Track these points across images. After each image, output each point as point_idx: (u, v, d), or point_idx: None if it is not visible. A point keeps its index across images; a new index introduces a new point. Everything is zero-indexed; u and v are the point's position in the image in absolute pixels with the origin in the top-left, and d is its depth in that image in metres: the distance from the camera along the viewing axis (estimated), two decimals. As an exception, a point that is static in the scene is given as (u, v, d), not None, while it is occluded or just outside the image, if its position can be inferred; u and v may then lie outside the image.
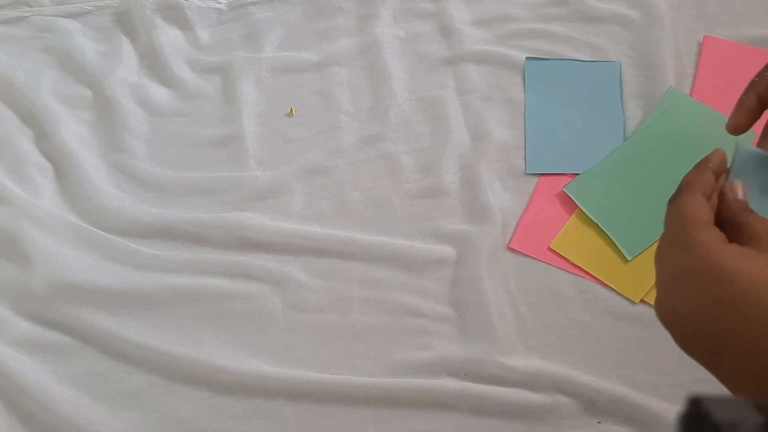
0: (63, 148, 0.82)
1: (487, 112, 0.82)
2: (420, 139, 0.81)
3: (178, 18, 0.94)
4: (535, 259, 0.72)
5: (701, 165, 0.41)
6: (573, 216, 0.74)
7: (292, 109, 0.85)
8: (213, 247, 0.75)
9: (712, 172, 0.41)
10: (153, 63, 0.91)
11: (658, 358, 0.65)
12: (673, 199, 0.40)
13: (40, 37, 0.93)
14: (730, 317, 0.32)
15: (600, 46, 0.85)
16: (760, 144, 0.45)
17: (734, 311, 0.32)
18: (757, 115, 0.49)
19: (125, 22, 0.95)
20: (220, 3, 0.96)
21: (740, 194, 0.40)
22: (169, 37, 0.92)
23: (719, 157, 0.42)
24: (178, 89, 0.88)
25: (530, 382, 0.64)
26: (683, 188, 0.40)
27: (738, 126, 0.47)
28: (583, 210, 0.74)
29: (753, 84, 0.49)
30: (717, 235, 0.36)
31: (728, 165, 0.43)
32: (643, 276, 0.69)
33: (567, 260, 0.71)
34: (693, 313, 0.34)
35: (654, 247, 0.64)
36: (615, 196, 0.74)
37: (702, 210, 0.38)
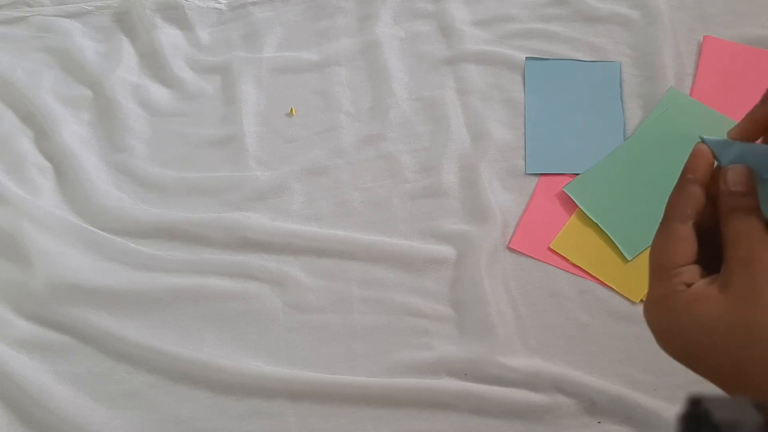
0: (63, 148, 0.82)
1: (487, 112, 0.82)
2: (420, 139, 0.81)
3: (178, 18, 0.94)
4: (535, 259, 0.72)
5: (679, 183, 0.37)
6: (573, 216, 0.74)
7: (292, 109, 0.85)
8: (213, 247, 0.75)
9: (695, 182, 0.37)
10: (153, 63, 0.91)
11: (658, 358, 0.65)
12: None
13: (40, 37, 0.93)
14: (693, 362, 0.35)
15: (600, 46, 0.85)
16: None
17: (694, 357, 0.35)
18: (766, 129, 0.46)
19: (125, 22, 0.95)
20: (220, 3, 0.96)
21: (737, 181, 0.36)
22: (169, 37, 0.92)
23: (699, 159, 0.37)
24: (178, 89, 0.88)
25: (530, 382, 0.64)
26: (662, 221, 0.37)
27: (743, 134, 0.42)
28: (583, 210, 0.74)
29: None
30: (676, 282, 0.35)
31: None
32: (643, 276, 0.69)
33: (567, 260, 0.71)
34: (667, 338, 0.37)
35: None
36: (615, 196, 0.74)
37: (670, 252, 0.36)
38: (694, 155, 0.37)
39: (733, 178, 0.36)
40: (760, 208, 0.35)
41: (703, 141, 0.37)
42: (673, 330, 0.35)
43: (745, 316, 0.32)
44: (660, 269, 0.36)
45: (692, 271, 0.35)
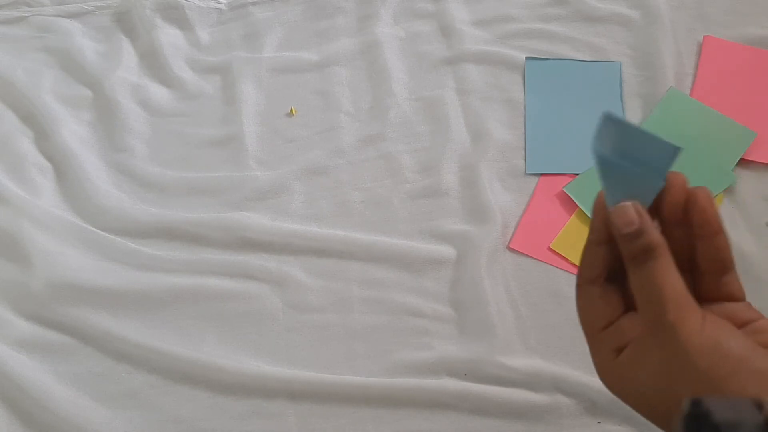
0: (63, 148, 0.82)
1: (487, 112, 0.82)
2: (420, 139, 0.81)
3: (178, 18, 0.94)
4: (535, 259, 0.72)
5: (584, 249, 0.35)
6: (573, 216, 0.74)
7: (292, 109, 0.85)
8: (213, 247, 0.75)
9: (597, 243, 0.34)
10: (153, 63, 0.91)
11: (658, 358, 0.65)
12: None
13: (40, 37, 0.93)
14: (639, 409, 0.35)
15: (600, 46, 0.85)
16: None
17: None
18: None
19: (125, 22, 0.95)
20: (220, 3, 0.96)
21: (625, 222, 0.32)
22: (169, 37, 0.92)
23: (596, 217, 0.34)
24: (178, 89, 0.88)
25: (530, 382, 0.64)
26: (576, 283, 0.36)
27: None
28: (583, 210, 0.74)
29: None
30: (605, 351, 0.34)
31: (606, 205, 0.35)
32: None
33: (567, 260, 0.71)
34: None
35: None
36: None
37: (589, 317, 0.35)
38: (593, 213, 0.35)
39: (618, 220, 0.33)
40: (663, 246, 0.32)
41: (593, 146, 0.34)
42: (618, 393, 0.35)
43: (667, 384, 0.31)
44: (588, 336, 0.35)
45: (619, 332, 0.34)
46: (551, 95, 0.83)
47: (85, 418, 0.65)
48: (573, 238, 0.73)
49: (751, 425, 0.25)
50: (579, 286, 0.35)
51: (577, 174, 0.76)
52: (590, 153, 0.34)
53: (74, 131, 0.84)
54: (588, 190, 0.75)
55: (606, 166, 0.33)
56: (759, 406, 0.25)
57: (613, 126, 0.34)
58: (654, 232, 0.32)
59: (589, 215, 0.73)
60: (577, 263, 0.73)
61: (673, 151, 0.32)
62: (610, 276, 0.35)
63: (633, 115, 0.80)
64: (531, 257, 0.72)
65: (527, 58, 0.85)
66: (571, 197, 0.75)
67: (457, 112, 0.82)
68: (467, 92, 0.84)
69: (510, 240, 0.73)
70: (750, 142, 0.76)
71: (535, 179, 0.77)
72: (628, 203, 0.33)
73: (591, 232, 0.35)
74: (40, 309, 0.72)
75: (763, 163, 0.75)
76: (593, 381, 0.64)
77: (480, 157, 0.78)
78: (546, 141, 0.79)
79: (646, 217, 0.32)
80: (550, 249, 0.72)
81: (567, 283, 0.70)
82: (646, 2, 0.87)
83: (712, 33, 0.85)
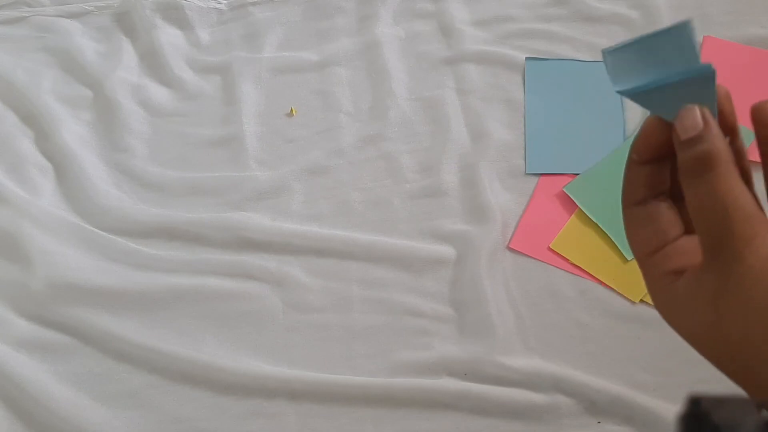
0: (63, 148, 0.82)
1: (487, 112, 0.82)
2: (420, 139, 0.81)
3: (178, 18, 0.94)
4: (535, 259, 0.72)
5: (625, 170, 0.32)
6: (573, 216, 0.74)
7: (292, 109, 0.85)
8: (213, 247, 0.75)
9: (639, 162, 0.31)
10: (153, 63, 0.91)
11: (658, 358, 0.65)
12: None
13: (40, 37, 0.93)
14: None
15: (600, 46, 0.85)
16: None
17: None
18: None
19: (125, 22, 0.95)
20: (220, 3, 0.96)
21: (688, 126, 0.28)
22: (169, 37, 0.92)
23: (642, 138, 0.31)
24: (178, 89, 0.88)
25: (530, 382, 0.64)
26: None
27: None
28: (583, 210, 0.74)
29: None
30: (659, 275, 0.30)
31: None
32: (643, 276, 0.69)
33: (567, 260, 0.71)
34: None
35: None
36: (615, 196, 0.73)
37: (636, 243, 0.31)
38: (640, 130, 0.31)
39: (680, 124, 0.28)
40: (726, 155, 0.28)
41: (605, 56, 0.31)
42: (673, 325, 0.31)
43: (716, 320, 0.27)
44: (638, 261, 0.32)
45: (674, 255, 0.30)
46: (551, 95, 0.83)
47: (85, 418, 0.65)
48: (573, 238, 0.73)
49: (751, 425, 0.25)
50: (624, 210, 0.32)
51: (577, 174, 0.76)
52: (618, 95, 0.32)
53: (74, 131, 0.84)
54: (588, 190, 0.75)
55: (640, 96, 0.30)
56: (759, 406, 0.25)
57: (615, 56, 0.30)
58: (717, 139, 0.28)
59: (590, 215, 0.73)
60: (578, 263, 0.73)
61: (684, 27, 0.28)
62: (668, 196, 0.31)
63: (633, 115, 0.80)
64: (531, 257, 0.72)
65: (527, 58, 0.85)
66: (571, 197, 0.75)
67: (457, 112, 0.82)
68: (467, 92, 0.84)
69: (510, 240, 0.73)
70: (750, 142, 0.75)
71: (535, 179, 0.77)
72: (695, 106, 0.28)
73: (632, 151, 0.31)
74: (40, 309, 0.72)
75: (763, 163, 0.75)
76: (593, 381, 0.64)
77: (480, 157, 0.78)
78: (546, 141, 0.79)
79: (712, 123, 0.28)
80: (550, 249, 0.72)
81: (567, 283, 0.70)
82: (646, 2, 0.87)
83: (712, 33, 0.85)
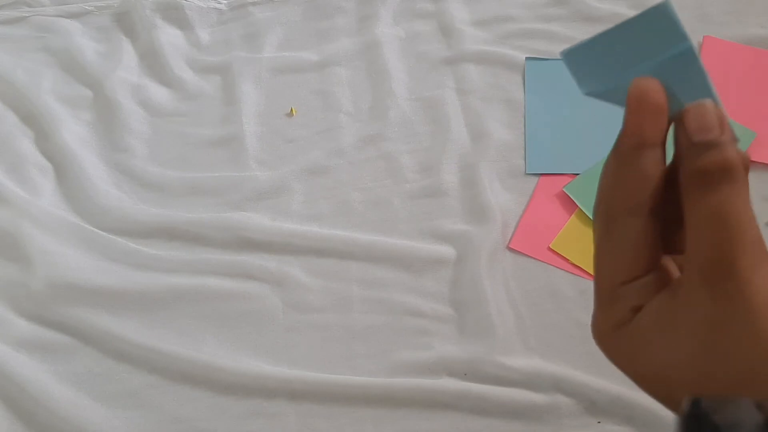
0: (63, 148, 0.82)
1: (487, 112, 0.82)
2: (420, 139, 0.81)
3: (178, 18, 0.94)
4: (535, 259, 0.72)
5: (619, 153, 0.25)
6: (573, 216, 0.74)
7: (292, 109, 0.85)
8: (213, 247, 0.75)
9: (647, 146, 0.25)
10: (153, 63, 0.91)
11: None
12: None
13: (40, 37, 0.93)
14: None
15: (559, 53, 0.85)
16: None
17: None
18: None
19: (125, 22, 0.95)
20: (220, 3, 0.96)
21: (702, 126, 0.24)
22: (169, 37, 0.92)
23: (646, 109, 0.24)
24: (178, 89, 0.88)
25: (530, 382, 0.64)
26: (599, 215, 0.26)
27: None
28: (583, 210, 0.74)
29: None
30: (618, 309, 0.26)
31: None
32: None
33: (567, 260, 0.71)
34: None
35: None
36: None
37: (612, 265, 0.26)
38: (630, 103, 0.24)
39: (693, 122, 0.24)
40: (743, 168, 0.24)
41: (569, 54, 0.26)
42: (623, 367, 0.27)
43: (711, 350, 0.24)
44: (600, 288, 0.26)
45: (644, 286, 0.25)
46: (551, 95, 0.83)
47: (85, 418, 0.65)
48: (573, 238, 0.73)
49: (751, 425, 0.24)
50: (606, 217, 0.25)
51: (577, 174, 0.76)
52: (585, 96, 0.26)
53: (74, 131, 0.84)
54: (588, 190, 0.75)
55: (613, 93, 0.25)
56: (759, 406, 0.25)
57: (576, 55, 0.26)
58: (735, 147, 0.24)
59: (590, 215, 0.73)
60: (578, 263, 0.72)
61: (663, 8, 0.24)
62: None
63: (633, 115, 0.80)
64: (531, 257, 0.72)
65: (527, 58, 0.85)
66: (571, 197, 0.75)
67: (457, 112, 0.82)
68: (467, 92, 0.84)
69: (510, 240, 0.73)
70: (750, 142, 0.76)
71: (535, 179, 0.77)
72: (708, 101, 0.24)
73: (631, 134, 0.24)
74: (40, 309, 0.72)
75: (763, 163, 0.75)
76: (593, 381, 0.64)
77: (480, 157, 0.78)
78: (546, 141, 0.79)
79: (728, 127, 0.24)
80: (550, 249, 0.72)
81: (567, 283, 0.70)
82: (646, 2, 0.87)
83: (712, 33, 0.85)
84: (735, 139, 0.24)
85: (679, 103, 0.24)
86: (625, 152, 0.24)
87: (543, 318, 0.69)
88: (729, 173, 0.23)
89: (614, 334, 0.26)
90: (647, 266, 0.25)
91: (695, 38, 0.84)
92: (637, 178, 0.24)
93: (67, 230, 0.76)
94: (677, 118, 0.24)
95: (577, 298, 0.69)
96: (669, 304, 0.25)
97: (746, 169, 0.25)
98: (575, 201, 0.74)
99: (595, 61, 0.26)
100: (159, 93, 0.88)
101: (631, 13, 0.87)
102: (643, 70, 0.24)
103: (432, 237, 0.74)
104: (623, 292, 0.26)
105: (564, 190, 0.75)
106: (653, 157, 0.24)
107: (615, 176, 0.25)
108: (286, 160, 0.81)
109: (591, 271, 0.70)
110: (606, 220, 0.26)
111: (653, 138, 0.24)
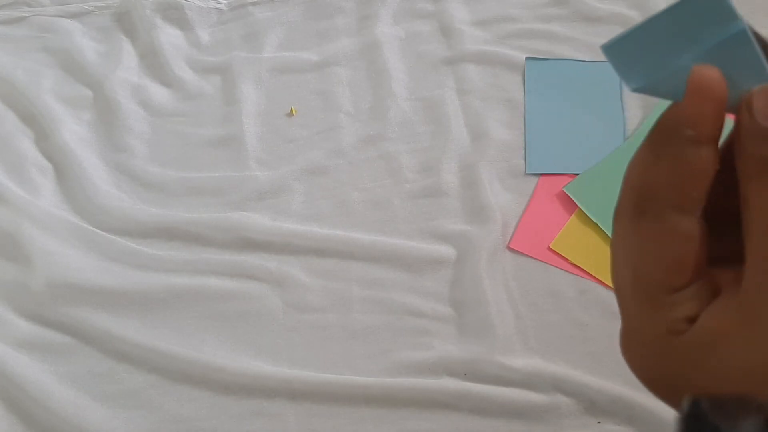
0: (63, 148, 0.82)
1: (487, 112, 0.82)
2: (420, 139, 0.81)
3: (178, 18, 0.94)
4: (535, 259, 0.72)
5: (667, 142, 0.22)
6: (573, 216, 0.74)
7: (292, 109, 0.85)
8: (213, 247, 0.75)
9: (702, 142, 0.22)
10: (153, 63, 0.91)
11: (658, 358, 0.65)
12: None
13: (40, 37, 0.93)
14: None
15: (600, 47, 0.85)
16: None
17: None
18: None
19: (125, 22, 0.95)
20: (220, 3, 0.96)
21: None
22: (169, 37, 0.92)
23: (704, 97, 0.21)
24: (178, 89, 0.88)
25: (530, 382, 0.64)
26: (639, 211, 0.23)
27: None
28: (583, 210, 0.74)
29: None
30: (671, 319, 0.23)
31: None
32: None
33: (567, 260, 0.71)
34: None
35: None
36: (615, 196, 0.74)
37: (664, 267, 0.23)
38: (691, 91, 0.21)
39: (763, 106, 0.21)
40: None
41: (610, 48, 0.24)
42: (669, 384, 0.25)
43: None
44: (647, 294, 0.23)
45: (697, 295, 0.23)
46: (551, 95, 0.83)
47: (85, 418, 0.65)
48: (573, 238, 0.73)
49: (751, 425, 0.24)
50: (647, 215, 0.23)
51: (577, 174, 0.76)
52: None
53: (74, 131, 0.84)
54: (588, 190, 0.75)
55: (663, 85, 0.23)
56: (759, 406, 0.25)
57: (618, 49, 0.24)
58: None
59: (590, 215, 0.73)
60: (578, 263, 0.72)
61: None
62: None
63: (633, 115, 0.80)
64: (531, 257, 0.72)
65: (527, 58, 0.85)
66: (571, 197, 0.75)
67: (457, 112, 0.82)
68: (467, 92, 0.84)
69: (510, 240, 0.73)
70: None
71: (535, 179, 0.77)
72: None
73: (687, 123, 0.21)
74: (40, 309, 0.72)
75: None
76: (593, 381, 0.64)
77: (480, 157, 0.78)
78: (546, 141, 0.79)
79: None
80: (550, 249, 0.72)
81: (567, 283, 0.70)
82: (646, 2, 0.87)
83: (712, 33, 0.85)
84: None
85: (734, 88, 0.22)
86: (681, 143, 0.22)
87: (543, 318, 0.69)
88: None
89: (662, 345, 0.24)
90: (698, 272, 0.23)
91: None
92: (693, 172, 0.22)
93: (67, 230, 0.76)
94: (736, 104, 0.22)
95: (577, 298, 0.69)
96: (737, 311, 0.22)
97: None
98: (575, 201, 0.74)
99: (640, 53, 0.24)
100: (159, 93, 0.88)
101: (632, 12, 0.87)
102: (695, 57, 0.22)
103: (432, 237, 0.74)
104: (675, 300, 0.23)
105: (564, 190, 0.75)
106: (711, 149, 0.22)
107: (666, 169, 0.22)
108: (286, 160, 0.81)
109: (591, 271, 0.70)
110: (646, 219, 0.23)
111: (714, 129, 0.22)
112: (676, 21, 0.23)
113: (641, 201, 0.23)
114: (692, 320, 0.23)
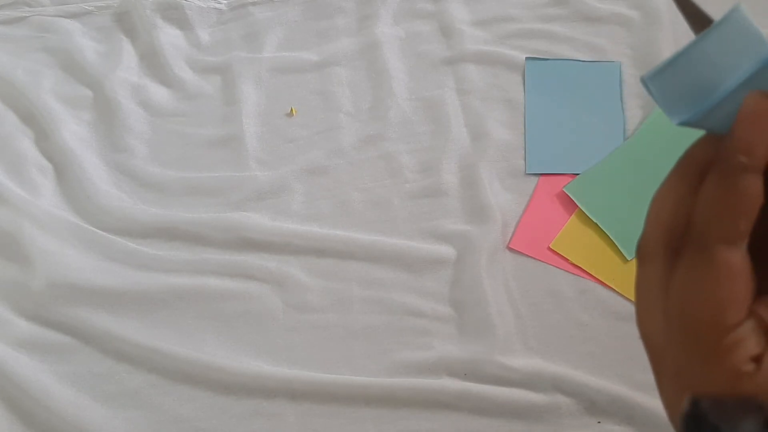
0: (63, 148, 0.82)
1: (487, 112, 0.82)
2: (420, 139, 0.81)
3: (178, 18, 0.94)
4: (535, 259, 0.72)
5: (721, 174, 0.21)
6: (573, 216, 0.74)
7: (292, 109, 0.85)
8: (213, 247, 0.75)
9: (753, 170, 0.21)
10: (153, 63, 0.91)
11: (658, 358, 0.65)
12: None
13: (40, 37, 0.93)
14: None
15: (600, 46, 0.85)
16: None
17: None
18: None
19: (125, 22, 0.95)
20: (220, 3, 0.96)
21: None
22: (169, 37, 0.92)
23: (758, 126, 0.21)
24: (178, 89, 0.88)
25: (530, 382, 0.64)
26: (689, 245, 0.22)
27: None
28: (583, 210, 0.74)
29: None
30: (738, 360, 0.21)
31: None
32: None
33: (567, 260, 0.71)
34: None
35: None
36: (615, 196, 0.74)
37: (718, 303, 0.21)
38: (746, 119, 0.21)
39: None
40: None
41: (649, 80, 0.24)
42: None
43: None
44: (700, 339, 0.22)
45: (755, 331, 0.21)
46: (551, 95, 0.83)
47: (85, 418, 0.65)
48: (573, 238, 0.73)
49: (751, 425, 0.24)
50: (702, 250, 0.21)
51: (577, 174, 0.76)
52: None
53: (74, 131, 0.84)
54: (588, 190, 0.75)
55: (710, 118, 0.23)
56: (759, 406, 0.25)
57: (660, 81, 0.24)
58: None
59: (590, 215, 0.73)
60: (578, 263, 0.72)
61: (737, 13, 0.23)
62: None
63: (633, 115, 0.80)
64: (531, 257, 0.72)
65: (527, 58, 0.85)
66: (571, 197, 0.75)
67: (457, 112, 0.82)
68: (467, 92, 0.84)
69: (510, 240, 0.73)
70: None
71: (535, 179, 0.77)
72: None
73: (739, 151, 0.20)
74: (40, 309, 0.72)
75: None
76: (593, 381, 0.64)
77: (480, 157, 0.78)
78: (546, 141, 0.79)
79: None
80: (550, 249, 0.72)
81: (567, 283, 0.70)
82: (646, 2, 0.87)
83: (712, 33, 0.84)
84: None
85: None
86: (733, 172, 0.21)
87: (543, 318, 0.69)
88: None
89: (733, 392, 0.22)
90: (749, 307, 0.21)
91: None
92: (744, 201, 0.21)
93: (67, 230, 0.76)
94: None
95: (577, 298, 0.69)
96: None
97: None
98: (575, 201, 0.74)
99: (680, 85, 0.24)
100: (159, 93, 0.88)
101: (632, 12, 0.87)
102: (735, 86, 0.23)
103: (432, 237, 0.74)
104: (734, 339, 0.21)
105: (564, 190, 0.75)
106: (760, 178, 0.21)
107: (712, 200, 0.21)
108: (286, 160, 0.81)
109: (591, 271, 0.70)
110: (687, 256, 0.21)
111: (766, 157, 0.21)
112: (709, 51, 0.23)
113: (676, 238, 0.22)
114: (758, 359, 0.21)
